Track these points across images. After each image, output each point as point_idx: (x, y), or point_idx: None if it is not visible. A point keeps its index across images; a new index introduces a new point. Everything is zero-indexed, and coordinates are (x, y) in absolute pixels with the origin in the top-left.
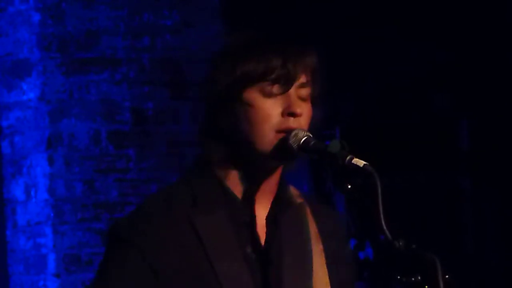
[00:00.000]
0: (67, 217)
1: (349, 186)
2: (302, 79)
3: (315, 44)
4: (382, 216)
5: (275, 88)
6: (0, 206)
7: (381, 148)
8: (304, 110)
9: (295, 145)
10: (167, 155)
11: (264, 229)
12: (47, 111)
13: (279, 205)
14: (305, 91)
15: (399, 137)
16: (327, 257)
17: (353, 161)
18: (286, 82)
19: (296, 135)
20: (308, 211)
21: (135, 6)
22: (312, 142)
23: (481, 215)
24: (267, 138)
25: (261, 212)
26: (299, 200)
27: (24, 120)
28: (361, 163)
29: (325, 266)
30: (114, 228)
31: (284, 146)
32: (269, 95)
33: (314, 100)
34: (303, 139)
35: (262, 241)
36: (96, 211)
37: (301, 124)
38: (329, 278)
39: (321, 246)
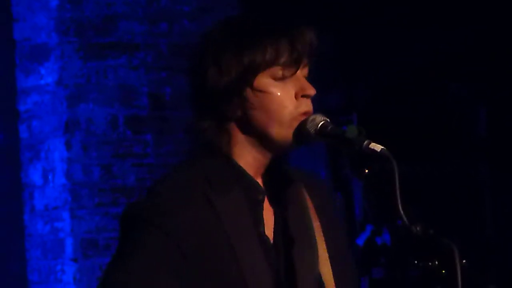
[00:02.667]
0: (85, 201)
1: (366, 172)
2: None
3: (331, 32)
4: (399, 201)
5: (286, 72)
6: (18, 191)
7: (398, 135)
8: (314, 90)
9: (312, 130)
10: (185, 141)
11: (271, 208)
12: (65, 96)
13: (281, 183)
14: (306, 71)
15: (416, 124)
16: (323, 232)
17: (370, 146)
18: (296, 65)
19: (313, 120)
20: (303, 187)
21: None
22: (330, 127)
23: (500, 202)
24: (285, 124)
25: (268, 190)
26: (295, 177)
27: (42, 104)
28: (378, 147)
29: (324, 242)
30: (135, 209)
31: (301, 131)
32: (280, 79)
33: (308, 78)
34: (321, 124)
35: (271, 220)
36: (113, 195)
37: (310, 104)
38: (328, 253)
39: (318, 222)
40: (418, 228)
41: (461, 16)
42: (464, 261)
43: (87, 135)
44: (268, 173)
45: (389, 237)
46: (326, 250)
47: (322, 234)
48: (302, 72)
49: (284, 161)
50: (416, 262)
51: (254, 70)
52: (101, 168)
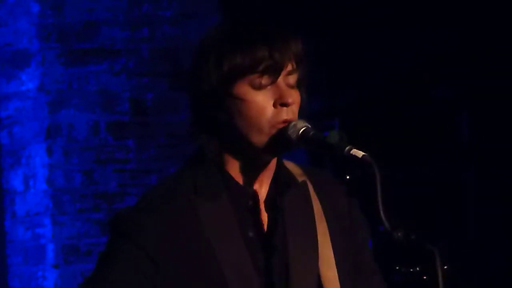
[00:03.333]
0: (66, 207)
1: (348, 177)
2: (289, 67)
3: (313, 35)
4: (381, 206)
5: (264, 79)
6: None
7: (380, 139)
8: (294, 98)
9: (294, 136)
10: (166, 146)
11: (267, 213)
12: (46, 102)
13: (279, 187)
14: (292, 78)
15: (399, 129)
16: (332, 235)
17: (352, 152)
18: (274, 72)
19: (295, 125)
20: (310, 188)
21: None
22: (311, 133)
23: (482, 206)
24: (264, 131)
25: (262, 196)
26: (301, 178)
27: (23, 110)
28: (360, 153)
29: (330, 246)
30: (114, 221)
31: (282, 137)
32: (259, 87)
33: (301, 85)
34: (302, 130)
35: (265, 225)
36: (95, 201)
37: (294, 112)
38: (335, 257)
39: (325, 224)
40: (400, 234)
41: (444, 19)
42: (446, 266)
43: (69, 141)
44: (266, 178)
45: (371, 242)
46: (332, 253)
47: (328, 236)
48: (286, 80)
49: (282, 164)
50: (398, 267)
51: (233, 77)
52: (83, 174)
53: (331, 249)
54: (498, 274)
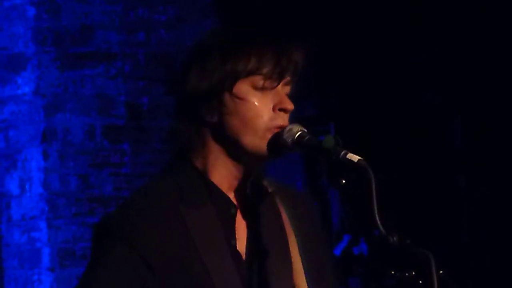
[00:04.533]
0: (62, 211)
1: (343, 182)
2: (289, 77)
3: (306, 41)
4: (376, 211)
5: (267, 83)
6: None
7: (374, 144)
8: (293, 107)
9: (289, 140)
10: (162, 150)
11: (245, 221)
12: (42, 106)
13: (256, 195)
14: (288, 89)
15: (392, 133)
16: (299, 247)
17: (347, 156)
18: (278, 78)
19: (290, 130)
20: (277, 199)
21: (130, 1)
22: (307, 137)
23: (476, 210)
24: (258, 133)
25: (241, 203)
26: (270, 189)
27: (18, 114)
28: (355, 158)
29: (298, 255)
30: (103, 222)
31: (277, 141)
32: (260, 89)
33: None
34: (298, 134)
35: (244, 233)
36: (90, 205)
37: (287, 120)
38: (303, 265)
39: (293, 236)
40: (395, 238)
41: (436, 24)
42: (441, 271)
43: (64, 144)
44: (243, 185)
45: (366, 247)
46: (301, 263)
47: (297, 247)
48: (284, 89)
49: (260, 173)
50: (393, 272)
51: (235, 76)
52: (78, 178)
53: (300, 259)
54: (492, 277)
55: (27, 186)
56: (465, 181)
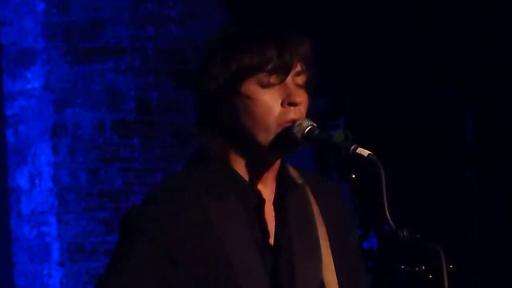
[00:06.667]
0: (71, 206)
1: (353, 176)
2: (298, 67)
3: (319, 35)
4: (386, 205)
5: (273, 78)
6: (5, 195)
7: (385, 139)
8: (302, 98)
9: (299, 134)
10: (171, 145)
11: (272, 213)
12: (52, 100)
13: (284, 187)
14: (300, 79)
15: (403, 128)
16: (330, 240)
17: (357, 151)
18: (283, 72)
19: (300, 124)
20: (308, 191)
21: None
22: (317, 132)
23: (486, 205)
24: (270, 130)
25: (268, 196)
26: (300, 181)
27: (28, 109)
28: (365, 152)
29: (329, 250)
30: (126, 217)
31: (288, 136)
32: (267, 86)
33: (309, 87)
34: (308, 129)
35: (271, 226)
36: (100, 200)
37: (301, 112)
38: (334, 262)
39: (324, 229)
40: (405, 233)
41: (449, 20)
42: (451, 265)
43: (74, 139)
44: (270, 177)
45: (376, 241)
46: (331, 256)
47: (327, 239)
48: (295, 80)
49: (285, 165)
50: (403, 266)
51: (241, 76)
52: (88, 173)
53: (330, 252)
54: (501, 274)
55: (36, 181)
56: (475, 178)
